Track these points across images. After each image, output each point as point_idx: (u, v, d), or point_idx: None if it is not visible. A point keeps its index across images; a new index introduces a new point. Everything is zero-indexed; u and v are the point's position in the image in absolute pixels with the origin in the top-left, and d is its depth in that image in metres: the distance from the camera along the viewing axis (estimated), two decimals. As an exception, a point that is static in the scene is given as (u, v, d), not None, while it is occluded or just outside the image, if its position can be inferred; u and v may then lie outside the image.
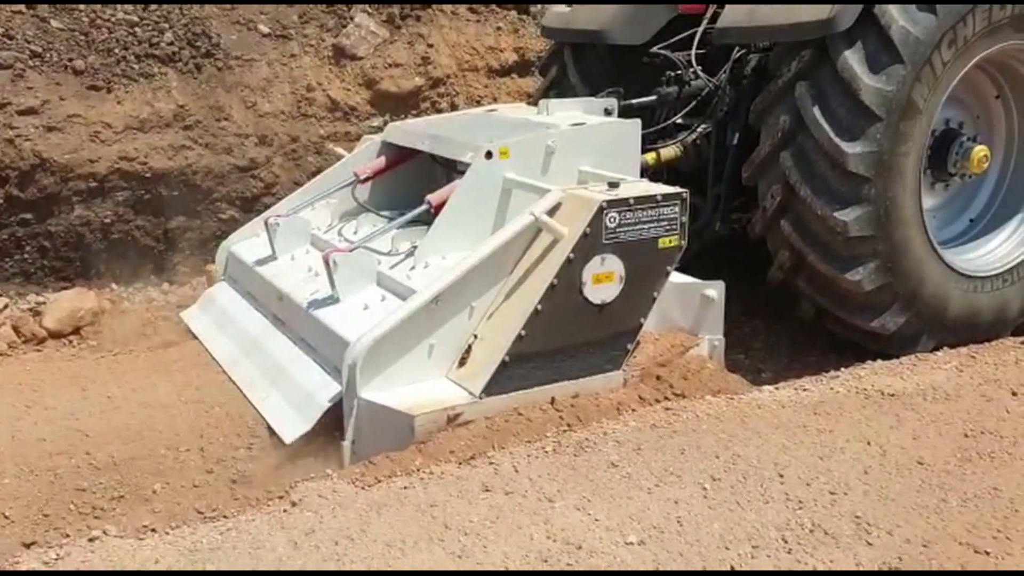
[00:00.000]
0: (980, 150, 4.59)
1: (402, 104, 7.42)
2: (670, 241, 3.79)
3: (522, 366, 3.55)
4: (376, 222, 4.61)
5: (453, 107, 7.52)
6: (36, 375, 4.36)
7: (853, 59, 4.08)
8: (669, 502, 3.01)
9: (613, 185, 3.79)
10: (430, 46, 7.59)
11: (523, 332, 3.53)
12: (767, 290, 4.71)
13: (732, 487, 3.09)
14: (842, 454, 3.32)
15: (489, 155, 4.09)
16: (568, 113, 4.71)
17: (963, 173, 4.66)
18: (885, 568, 2.68)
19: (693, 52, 5.05)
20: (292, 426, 3.61)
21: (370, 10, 7.56)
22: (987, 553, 2.78)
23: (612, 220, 3.64)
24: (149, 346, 4.80)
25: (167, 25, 6.80)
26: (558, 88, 5.72)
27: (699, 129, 4.91)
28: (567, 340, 3.64)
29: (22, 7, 6.43)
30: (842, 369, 4.26)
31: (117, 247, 6.11)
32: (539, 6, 8.22)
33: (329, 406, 3.56)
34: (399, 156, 4.87)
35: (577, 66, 5.62)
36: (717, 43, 4.77)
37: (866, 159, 4.12)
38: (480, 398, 3.49)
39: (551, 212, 3.70)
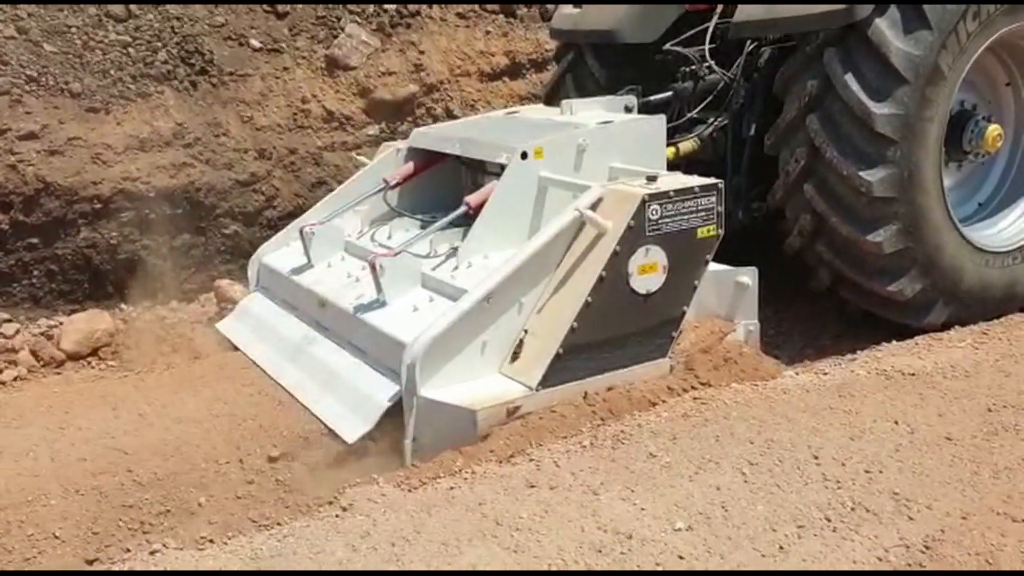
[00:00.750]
0: (994, 129, 4.74)
1: (397, 111, 7.47)
2: (708, 231, 3.92)
3: (575, 357, 3.66)
4: (407, 226, 4.68)
5: (448, 112, 7.59)
6: (63, 397, 4.38)
7: (883, 24, 4.21)
8: (711, 488, 3.08)
9: (651, 179, 3.92)
10: (422, 53, 7.65)
11: (575, 324, 3.64)
12: (777, 277, 4.80)
13: (770, 471, 3.17)
14: (871, 434, 3.40)
15: (524, 155, 4.19)
16: (592, 112, 4.81)
17: (977, 152, 4.80)
18: (929, 541, 2.76)
19: (706, 47, 5.15)
20: (352, 427, 3.69)
21: (360, 20, 7.61)
22: (1024, 521, 2.87)
23: (654, 212, 3.78)
24: (170, 363, 4.82)
25: (160, 44, 6.82)
26: (573, 87, 5.81)
27: (715, 122, 5.03)
28: (616, 330, 3.76)
29: (14, 32, 6.44)
30: (858, 352, 4.39)
31: (124, 267, 6.12)
32: (525, 9, 8.31)
33: (389, 406, 3.64)
34: (427, 161, 4.95)
35: (593, 65, 5.72)
36: (734, 37, 4.89)
37: (893, 121, 4.25)
38: (536, 390, 3.59)
39: (593, 207, 3.81)
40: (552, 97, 6.09)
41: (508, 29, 8.14)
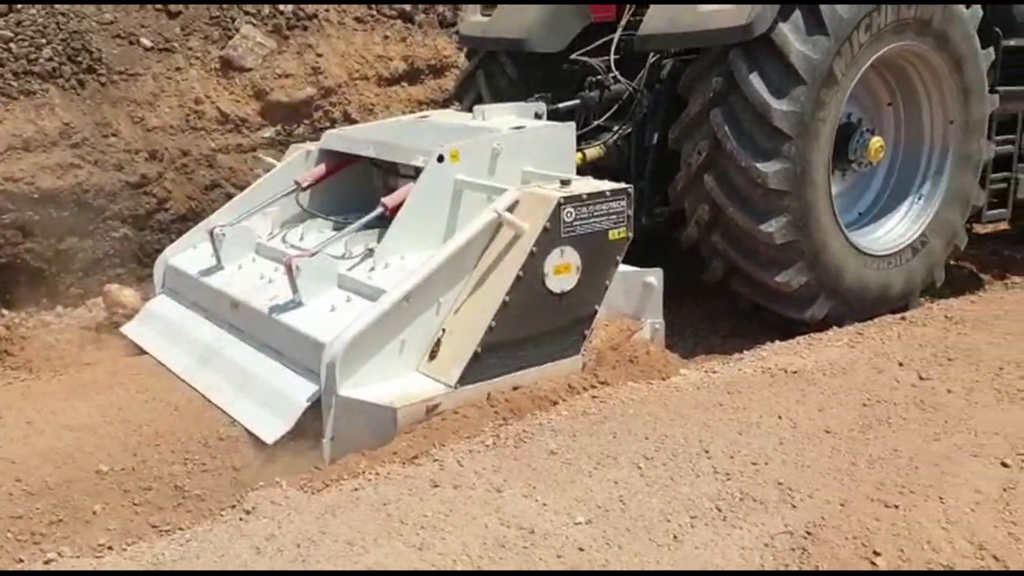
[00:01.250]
0: (877, 141, 5.12)
1: (294, 114, 7.41)
2: (619, 233, 4.09)
3: (493, 355, 3.77)
4: (320, 227, 4.71)
5: (346, 116, 7.56)
6: (-57, 406, 4.20)
7: (786, 28, 4.54)
8: (609, 483, 3.19)
9: (565, 183, 4.09)
10: (319, 56, 7.60)
11: (493, 323, 3.75)
12: (671, 281, 4.99)
13: (664, 464, 3.30)
14: (758, 428, 3.58)
15: (441, 159, 4.28)
16: (504, 118, 4.94)
17: (861, 162, 5.15)
18: (811, 527, 2.94)
19: (611, 58, 5.36)
20: (271, 427, 3.71)
21: (256, 21, 7.51)
22: (896, 507, 3.07)
23: (569, 215, 3.92)
24: (58, 369, 4.68)
25: (44, 40, 6.59)
26: (485, 84, 5.93)
27: (620, 130, 5.25)
28: (533, 329, 3.89)
29: None
30: (745, 351, 4.60)
31: (6, 272, 5.90)
32: (423, 15, 8.36)
33: (307, 405, 3.68)
34: (339, 163, 4.98)
35: (507, 63, 5.85)
36: (639, 50, 5.09)
37: (790, 117, 4.57)
38: (456, 388, 3.69)
39: (509, 210, 3.93)
40: (463, 95, 6.22)
41: (407, 34, 8.16)
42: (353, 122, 7.45)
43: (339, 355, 3.55)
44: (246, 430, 3.79)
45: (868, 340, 4.50)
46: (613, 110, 5.30)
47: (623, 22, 5.49)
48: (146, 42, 7.07)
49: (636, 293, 4.32)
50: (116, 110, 6.67)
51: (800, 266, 4.78)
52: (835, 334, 4.69)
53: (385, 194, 4.49)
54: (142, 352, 4.68)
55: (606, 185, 4.15)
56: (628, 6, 5.53)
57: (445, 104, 8.12)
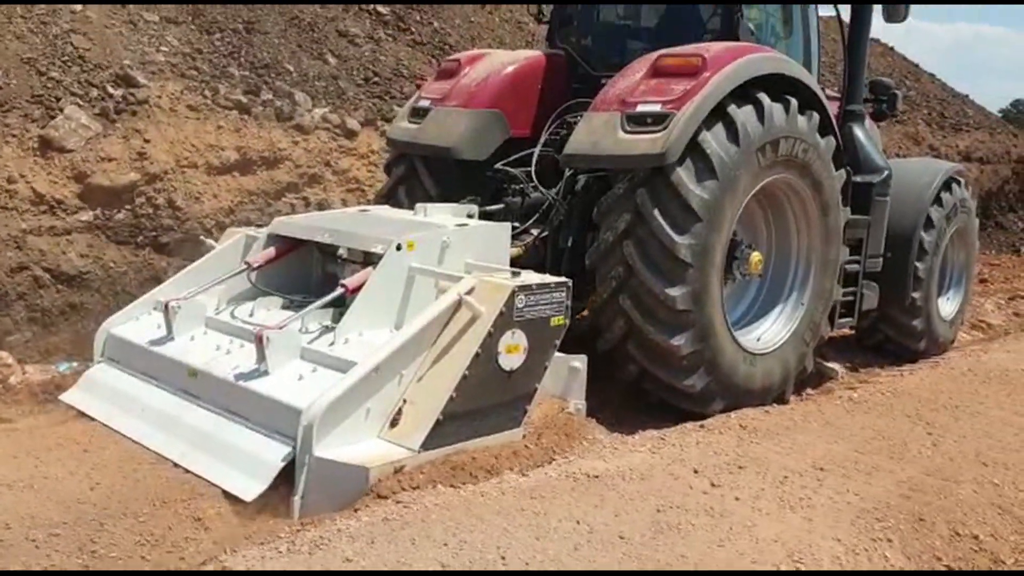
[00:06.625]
0: (757, 255, 5.80)
1: (115, 198, 7.22)
2: (559, 320, 4.59)
3: (451, 424, 4.14)
4: (268, 304, 4.99)
5: (170, 203, 7.41)
6: None
7: (683, 173, 5.16)
8: (402, 592, 3.16)
9: (515, 273, 4.61)
10: (147, 141, 7.47)
11: (454, 394, 4.14)
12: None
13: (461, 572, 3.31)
14: (555, 533, 3.64)
15: (399, 247, 4.72)
16: (443, 216, 5.40)
17: (743, 272, 5.76)
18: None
19: (532, 170, 5.94)
20: (248, 487, 3.93)
21: (82, 103, 7.33)
22: (677, 612, 3.19)
23: (521, 301, 4.40)
24: None
25: None
26: (405, 195, 6.28)
27: (538, 234, 5.80)
28: (486, 401, 4.30)
29: None
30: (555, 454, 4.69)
31: None
32: (261, 108, 8.37)
33: (283, 465, 3.93)
34: (288, 247, 5.34)
35: (424, 176, 6.28)
36: (562, 166, 5.69)
37: (691, 249, 5.16)
38: (419, 452, 4.02)
39: (467, 294, 4.34)
40: (384, 202, 6.47)
41: (241, 125, 8.14)
42: (177, 209, 7.33)
43: (317, 418, 3.83)
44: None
45: (668, 447, 4.69)
46: (534, 217, 5.83)
47: (543, 139, 6.09)
48: (-43, 116, 6.77)
49: (563, 376, 4.74)
50: (-85, 184, 6.30)
51: (702, 372, 5.33)
52: (639, 439, 4.87)
53: (324, 278, 5.05)
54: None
55: (550, 278, 4.66)
56: (547, 125, 6.17)
57: (277, 196, 8.14)
